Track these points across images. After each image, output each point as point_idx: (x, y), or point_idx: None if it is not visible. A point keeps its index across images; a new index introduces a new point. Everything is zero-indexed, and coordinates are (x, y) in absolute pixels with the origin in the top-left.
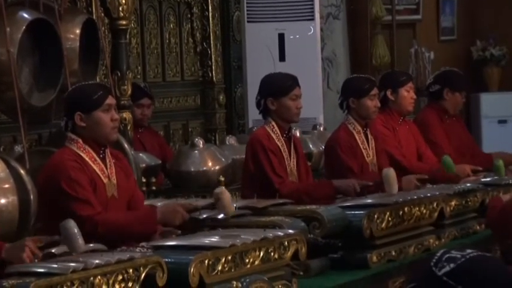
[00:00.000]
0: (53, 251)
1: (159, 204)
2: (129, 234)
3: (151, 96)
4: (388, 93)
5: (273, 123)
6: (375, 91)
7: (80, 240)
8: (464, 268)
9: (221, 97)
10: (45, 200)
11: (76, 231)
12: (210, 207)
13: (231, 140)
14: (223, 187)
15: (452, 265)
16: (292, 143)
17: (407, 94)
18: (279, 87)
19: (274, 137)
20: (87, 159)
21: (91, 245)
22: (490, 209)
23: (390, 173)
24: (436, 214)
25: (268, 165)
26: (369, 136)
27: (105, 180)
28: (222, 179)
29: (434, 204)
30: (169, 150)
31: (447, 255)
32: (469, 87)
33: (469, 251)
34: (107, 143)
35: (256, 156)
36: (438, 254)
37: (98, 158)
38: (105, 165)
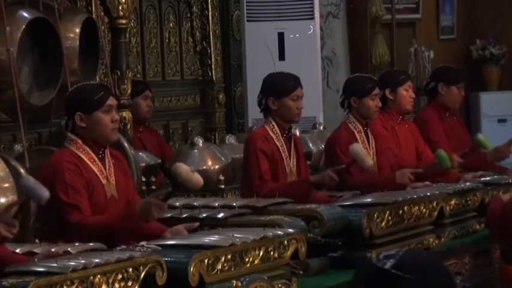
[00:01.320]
0: (53, 250)
1: None
2: (112, 234)
3: (151, 89)
4: (387, 92)
5: (273, 123)
6: (376, 91)
7: (43, 188)
8: (407, 259)
9: (221, 96)
10: None
11: (34, 182)
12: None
13: (230, 139)
14: (179, 163)
15: (392, 260)
16: (292, 143)
17: (406, 93)
18: (281, 87)
19: (273, 136)
20: (85, 159)
21: (91, 244)
22: (490, 210)
23: (355, 147)
24: (435, 213)
25: (254, 166)
26: (370, 135)
27: (104, 181)
28: (222, 178)
29: (434, 204)
30: (169, 149)
31: (382, 255)
32: (464, 79)
33: (397, 250)
34: (107, 143)
35: (246, 156)
36: (373, 257)
37: (97, 159)
38: (104, 166)
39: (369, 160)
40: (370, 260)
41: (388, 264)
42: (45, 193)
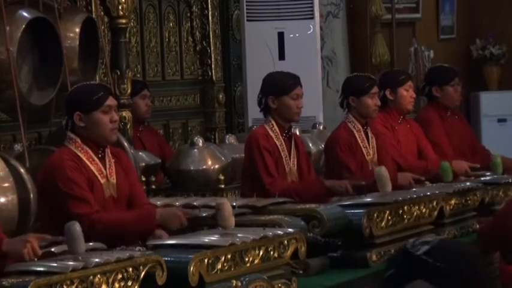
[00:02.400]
0: (52, 250)
1: (158, 203)
2: (127, 233)
3: (148, 88)
4: (387, 93)
5: (273, 122)
6: (375, 89)
7: (83, 244)
8: (441, 247)
9: (221, 96)
10: (43, 200)
11: (80, 234)
12: (210, 218)
13: (230, 138)
14: (226, 198)
15: (427, 246)
16: (292, 142)
17: (406, 93)
18: (281, 86)
19: (273, 135)
20: (84, 159)
21: (91, 243)
22: (483, 222)
23: (382, 171)
24: (435, 213)
25: (261, 165)
26: (369, 134)
27: (103, 181)
28: (222, 177)
29: (434, 203)
30: (168, 148)
31: (420, 240)
32: (457, 75)
33: (439, 236)
34: (106, 143)
35: (252, 154)
36: (411, 240)
37: (96, 158)
38: (104, 165)
39: (389, 187)
40: (405, 246)
41: (421, 250)
42: (81, 248)
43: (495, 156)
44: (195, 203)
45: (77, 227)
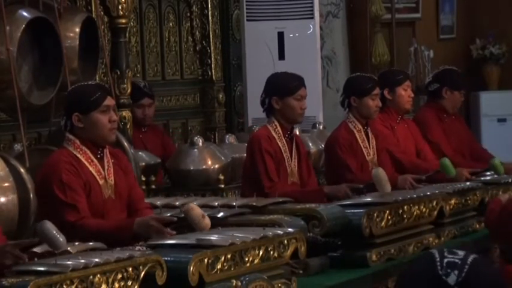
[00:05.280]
0: (35, 250)
1: (158, 203)
2: (108, 239)
3: (151, 96)
4: (385, 92)
5: (276, 123)
6: (376, 91)
7: (61, 238)
8: (472, 277)
9: (220, 96)
10: (41, 200)
11: (52, 230)
12: (182, 222)
13: (230, 138)
14: (192, 204)
15: (457, 272)
16: (294, 143)
17: (404, 93)
18: (285, 86)
19: (275, 136)
20: (83, 160)
21: (90, 243)
22: (489, 211)
23: (380, 173)
24: (435, 213)
25: (262, 168)
26: (370, 135)
27: (101, 182)
28: (222, 177)
29: (434, 203)
30: (173, 148)
31: (446, 260)
32: (466, 85)
33: (461, 253)
34: (105, 144)
35: (253, 156)
36: (437, 259)
37: (94, 159)
38: (103, 166)
39: (389, 187)
40: (434, 265)
41: (452, 277)
42: (61, 243)
43: (493, 159)
44: (194, 203)
45: (47, 225)
